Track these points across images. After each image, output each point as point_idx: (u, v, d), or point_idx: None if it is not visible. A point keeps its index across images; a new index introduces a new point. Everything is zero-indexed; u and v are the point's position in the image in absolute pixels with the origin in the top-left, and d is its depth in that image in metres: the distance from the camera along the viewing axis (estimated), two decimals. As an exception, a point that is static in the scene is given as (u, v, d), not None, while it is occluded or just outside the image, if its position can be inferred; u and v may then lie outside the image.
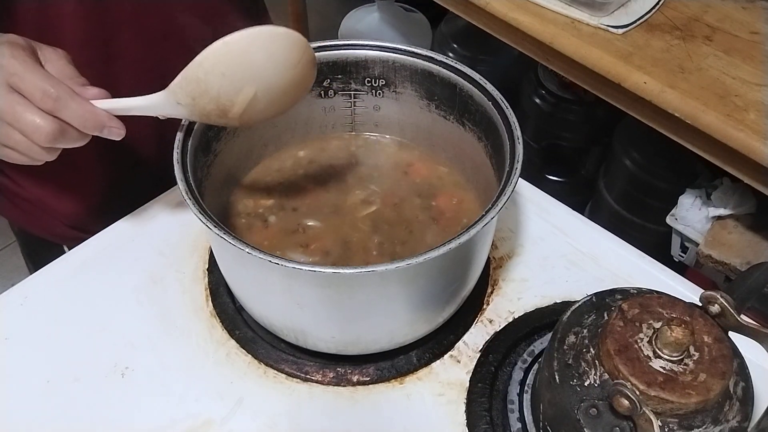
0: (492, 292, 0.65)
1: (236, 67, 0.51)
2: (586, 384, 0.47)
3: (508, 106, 0.57)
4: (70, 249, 0.68)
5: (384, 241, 0.62)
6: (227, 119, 0.54)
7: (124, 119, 0.54)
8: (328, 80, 0.64)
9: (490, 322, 0.63)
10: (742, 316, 0.47)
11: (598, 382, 0.47)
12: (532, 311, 0.64)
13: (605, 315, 0.50)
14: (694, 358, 0.45)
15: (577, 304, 0.52)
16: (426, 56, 0.62)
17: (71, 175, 0.73)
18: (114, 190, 0.77)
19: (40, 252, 0.76)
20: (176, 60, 0.72)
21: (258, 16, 0.83)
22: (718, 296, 0.46)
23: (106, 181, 0.77)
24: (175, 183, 0.52)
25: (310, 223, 0.63)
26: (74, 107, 0.50)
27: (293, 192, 0.66)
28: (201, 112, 0.53)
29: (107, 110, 0.52)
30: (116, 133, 0.53)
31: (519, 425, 0.56)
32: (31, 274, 0.66)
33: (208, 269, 0.66)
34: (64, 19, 0.63)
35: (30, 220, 0.80)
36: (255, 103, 0.53)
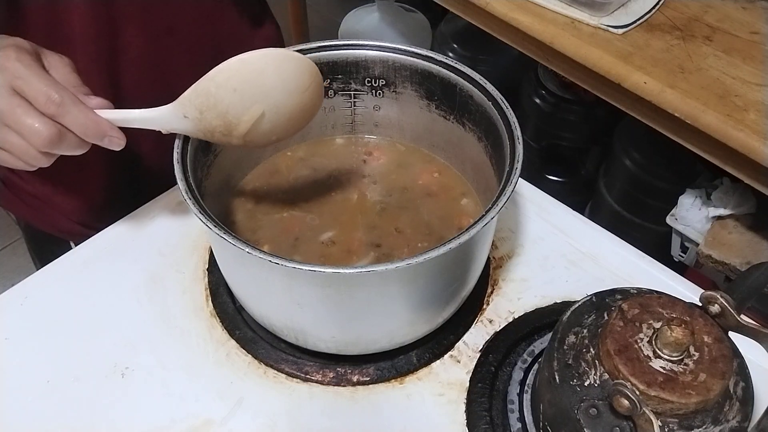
0: (492, 292, 0.65)
1: (248, 85, 0.52)
2: (586, 384, 0.47)
3: (508, 106, 0.57)
4: (76, 244, 0.68)
5: (383, 241, 0.62)
6: (231, 137, 0.54)
7: None
8: (328, 80, 0.64)
9: (490, 322, 0.63)
10: (742, 316, 0.47)
11: (598, 382, 0.47)
12: (532, 311, 0.64)
13: (605, 315, 0.50)
14: (694, 358, 0.45)
15: (577, 304, 0.52)
16: (426, 56, 0.62)
17: (74, 172, 0.74)
18: (116, 186, 0.77)
19: (46, 247, 0.76)
20: (180, 56, 0.72)
21: (262, 15, 0.83)
22: (718, 296, 0.46)
23: (107, 178, 0.77)
24: (175, 183, 0.52)
25: (311, 222, 0.63)
26: (77, 114, 0.50)
27: (293, 192, 0.66)
28: (206, 127, 0.53)
29: (110, 120, 0.52)
30: (116, 143, 0.53)
31: (519, 425, 0.56)
32: (37, 269, 0.67)
33: (208, 269, 0.66)
34: (72, 13, 0.64)
35: (35, 215, 0.81)
36: (260, 124, 0.54)
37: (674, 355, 0.45)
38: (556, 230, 0.70)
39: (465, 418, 0.57)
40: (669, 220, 1.12)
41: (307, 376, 0.59)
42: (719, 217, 1.04)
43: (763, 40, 0.91)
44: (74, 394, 0.58)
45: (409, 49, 0.63)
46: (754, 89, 0.85)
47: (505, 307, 0.64)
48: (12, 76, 0.49)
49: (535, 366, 0.59)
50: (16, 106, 0.49)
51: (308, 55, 0.62)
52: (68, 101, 0.50)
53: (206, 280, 0.65)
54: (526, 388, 0.58)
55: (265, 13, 0.84)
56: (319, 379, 0.59)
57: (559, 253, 0.68)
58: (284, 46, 0.83)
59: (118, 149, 0.54)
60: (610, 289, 0.52)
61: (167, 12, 0.70)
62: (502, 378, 0.59)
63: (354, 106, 0.67)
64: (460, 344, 0.62)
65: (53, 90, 0.49)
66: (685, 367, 0.45)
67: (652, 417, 0.42)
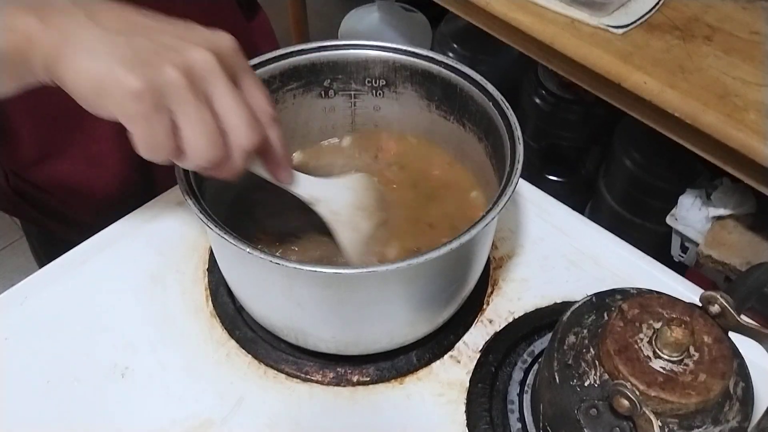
0: (492, 292, 0.65)
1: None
2: (586, 384, 0.47)
3: (508, 106, 0.57)
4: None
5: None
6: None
7: None
8: (328, 80, 0.64)
9: (490, 322, 0.63)
10: (742, 316, 0.47)
11: (598, 382, 0.47)
12: (532, 311, 0.64)
13: (605, 315, 0.50)
14: (694, 358, 0.45)
15: (577, 305, 0.52)
16: (426, 56, 0.62)
17: (88, 170, 0.74)
18: (129, 185, 0.77)
19: (53, 250, 0.76)
20: None
21: (254, 7, 0.84)
22: (718, 296, 0.46)
23: (121, 175, 0.77)
24: (176, 183, 0.52)
25: (311, 222, 0.63)
26: (278, 129, 0.45)
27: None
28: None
29: None
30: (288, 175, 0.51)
31: (519, 425, 0.56)
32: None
33: (208, 269, 0.66)
34: None
35: (47, 221, 0.80)
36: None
37: (674, 355, 0.45)
38: (556, 230, 0.70)
39: (465, 418, 0.57)
40: (669, 220, 1.12)
41: (307, 376, 0.59)
42: (719, 217, 1.04)
43: (763, 40, 0.92)
44: (74, 395, 0.58)
45: (409, 49, 0.63)
46: (754, 89, 0.85)
47: (505, 307, 0.64)
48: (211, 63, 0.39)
49: (535, 366, 0.59)
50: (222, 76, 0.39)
51: (308, 55, 0.62)
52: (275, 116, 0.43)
53: (206, 280, 0.65)
54: (526, 388, 0.58)
55: (256, 5, 0.85)
56: (319, 379, 0.59)
57: (559, 253, 0.68)
58: (274, 36, 0.86)
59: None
60: (610, 290, 0.52)
61: (158, 7, 0.70)
62: (502, 378, 0.59)
63: (354, 106, 0.67)
64: (460, 344, 0.62)
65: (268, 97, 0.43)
66: (685, 367, 0.45)
67: (652, 417, 0.42)
